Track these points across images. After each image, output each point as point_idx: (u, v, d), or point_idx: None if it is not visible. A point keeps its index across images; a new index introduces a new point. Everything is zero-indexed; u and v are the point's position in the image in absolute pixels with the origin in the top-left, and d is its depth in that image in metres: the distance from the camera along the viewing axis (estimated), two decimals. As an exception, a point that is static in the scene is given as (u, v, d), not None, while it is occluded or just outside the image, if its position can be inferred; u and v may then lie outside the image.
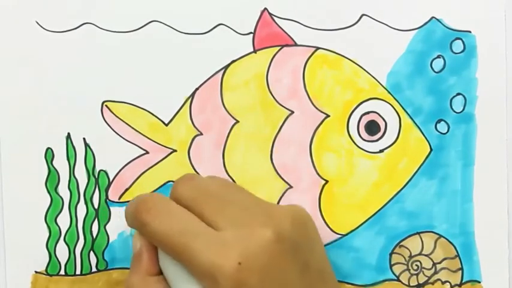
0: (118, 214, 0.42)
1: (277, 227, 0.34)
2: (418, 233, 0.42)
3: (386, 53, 0.42)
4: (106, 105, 0.42)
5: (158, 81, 0.42)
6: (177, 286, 0.35)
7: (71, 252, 0.42)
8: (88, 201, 0.42)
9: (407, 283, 0.42)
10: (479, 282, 0.42)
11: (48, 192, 0.42)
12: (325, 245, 0.42)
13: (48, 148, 0.42)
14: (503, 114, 0.42)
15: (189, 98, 0.42)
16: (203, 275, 0.33)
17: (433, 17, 0.42)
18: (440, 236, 0.42)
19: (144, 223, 0.35)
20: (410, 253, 0.42)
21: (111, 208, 0.42)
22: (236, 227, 0.34)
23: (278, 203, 0.42)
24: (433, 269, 0.42)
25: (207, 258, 0.33)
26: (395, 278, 0.42)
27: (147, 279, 0.36)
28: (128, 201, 0.39)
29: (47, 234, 0.42)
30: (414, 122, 0.42)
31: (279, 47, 0.42)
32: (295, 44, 0.42)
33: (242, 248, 0.33)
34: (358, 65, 0.42)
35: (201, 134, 0.42)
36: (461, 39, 0.42)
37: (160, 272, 0.37)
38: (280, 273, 0.34)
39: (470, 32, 0.42)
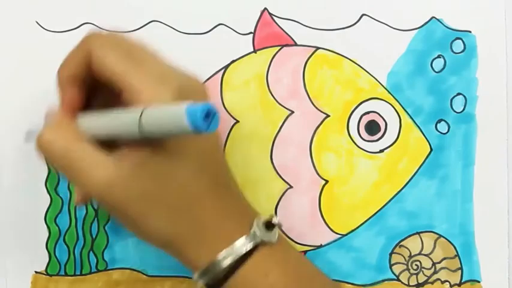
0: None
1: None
2: (418, 233, 0.42)
3: (387, 53, 0.42)
4: (106, 105, 0.42)
5: (158, 81, 0.42)
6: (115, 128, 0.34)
7: (71, 252, 0.42)
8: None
9: (407, 283, 0.42)
10: (479, 282, 0.42)
11: (48, 192, 0.42)
12: (325, 245, 0.42)
13: (48, 148, 0.42)
14: (503, 114, 0.42)
15: (189, 98, 0.42)
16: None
17: (433, 17, 0.42)
18: (440, 236, 0.42)
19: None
20: (410, 253, 0.42)
21: (111, 208, 0.42)
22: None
23: (278, 203, 0.42)
24: (433, 268, 0.42)
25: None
26: (395, 278, 0.42)
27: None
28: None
29: (47, 234, 0.42)
30: (414, 122, 0.42)
31: (279, 47, 0.42)
32: (295, 44, 0.42)
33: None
34: (358, 65, 0.42)
35: (201, 134, 0.42)
36: (461, 39, 0.42)
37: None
38: None
39: (470, 32, 0.42)
